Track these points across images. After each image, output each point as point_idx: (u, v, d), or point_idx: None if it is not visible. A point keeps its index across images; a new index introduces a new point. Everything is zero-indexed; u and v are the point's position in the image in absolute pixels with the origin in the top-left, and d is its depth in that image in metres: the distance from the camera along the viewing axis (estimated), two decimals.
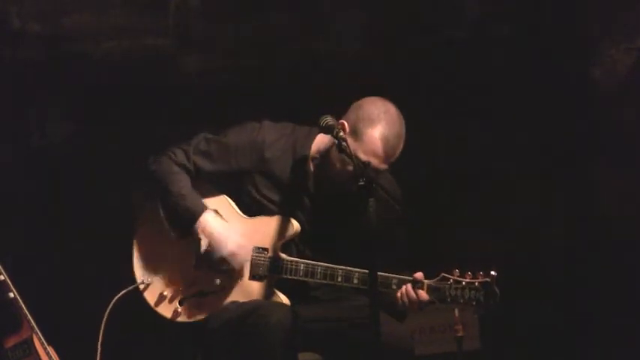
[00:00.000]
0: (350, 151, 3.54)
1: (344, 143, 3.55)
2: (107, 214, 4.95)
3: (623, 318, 5.03)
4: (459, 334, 4.59)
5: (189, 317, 3.79)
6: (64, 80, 5.13)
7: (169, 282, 3.82)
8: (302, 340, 3.68)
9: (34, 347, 4.06)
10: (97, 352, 3.87)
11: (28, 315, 4.06)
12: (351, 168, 3.60)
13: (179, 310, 3.79)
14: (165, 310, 3.81)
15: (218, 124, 4.00)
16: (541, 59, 5.16)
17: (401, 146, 3.72)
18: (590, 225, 5.17)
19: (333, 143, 3.67)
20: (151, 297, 3.83)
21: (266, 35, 5.23)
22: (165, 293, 3.81)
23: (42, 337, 4.08)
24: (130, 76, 5.13)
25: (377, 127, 3.68)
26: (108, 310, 3.84)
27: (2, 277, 4.02)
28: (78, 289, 4.93)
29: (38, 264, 4.90)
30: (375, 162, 3.66)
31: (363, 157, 3.61)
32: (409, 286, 3.68)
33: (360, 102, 3.78)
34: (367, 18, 5.31)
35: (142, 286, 3.83)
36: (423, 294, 3.68)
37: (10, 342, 4.08)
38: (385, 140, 3.67)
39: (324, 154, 3.81)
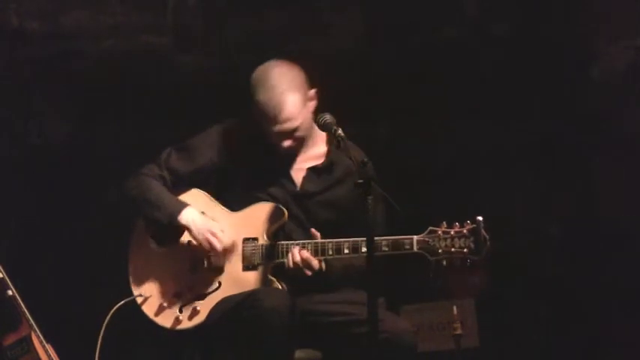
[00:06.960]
0: (349, 151, 3.56)
1: (342, 142, 3.58)
2: (106, 213, 4.95)
3: (623, 317, 5.03)
4: (458, 332, 4.60)
5: (189, 321, 3.79)
6: (62, 79, 5.14)
7: (168, 292, 3.84)
8: (301, 336, 3.68)
9: (33, 345, 4.05)
10: (95, 352, 3.86)
11: (27, 313, 4.06)
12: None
13: (180, 317, 3.80)
14: (165, 320, 3.82)
15: (216, 124, 4.01)
16: (540, 58, 5.16)
17: (288, 99, 3.72)
18: (590, 225, 5.16)
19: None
20: (149, 309, 3.85)
21: (265, 35, 5.24)
22: (164, 304, 3.83)
23: (40, 335, 4.07)
24: (129, 75, 5.14)
25: (255, 94, 3.74)
26: (106, 321, 3.84)
27: (1, 275, 4.02)
28: (77, 287, 4.93)
29: (37, 262, 4.91)
30: (273, 126, 3.72)
31: (264, 125, 3.71)
32: None
33: None
34: (367, 18, 5.32)
35: (139, 299, 3.84)
36: None
37: (9, 340, 4.08)
38: (265, 104, 3.71)
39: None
